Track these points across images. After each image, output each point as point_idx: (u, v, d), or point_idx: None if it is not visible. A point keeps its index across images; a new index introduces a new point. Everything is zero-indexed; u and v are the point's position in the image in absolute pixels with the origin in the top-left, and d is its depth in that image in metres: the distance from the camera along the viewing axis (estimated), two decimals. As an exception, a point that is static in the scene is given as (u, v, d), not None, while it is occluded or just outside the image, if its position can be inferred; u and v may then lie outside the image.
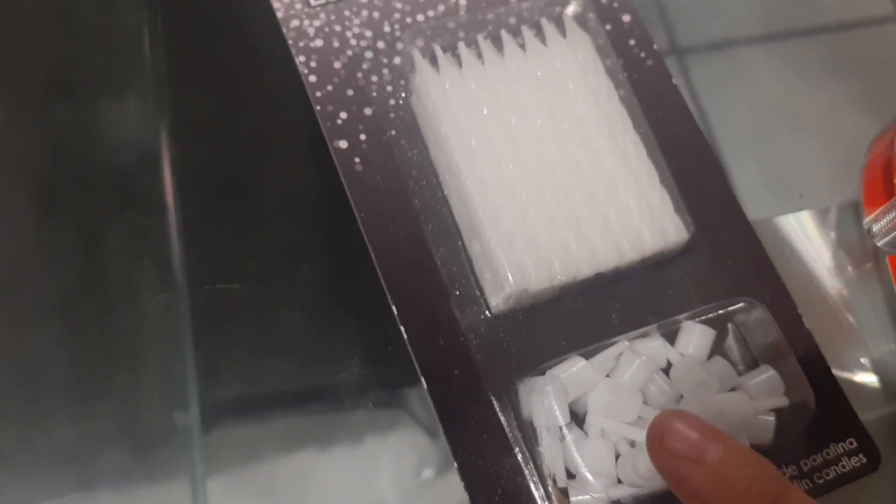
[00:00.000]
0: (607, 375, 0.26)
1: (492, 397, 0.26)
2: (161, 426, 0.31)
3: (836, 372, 0.27)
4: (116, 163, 0.34)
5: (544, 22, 0.30)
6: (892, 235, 0.30)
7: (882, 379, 0.32)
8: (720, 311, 0.28)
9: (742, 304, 0.28)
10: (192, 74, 0.36)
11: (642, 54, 0.31)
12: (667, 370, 0.27)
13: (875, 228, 0.31)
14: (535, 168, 0.28)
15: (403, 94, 0.30)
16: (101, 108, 0.35)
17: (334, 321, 0.33)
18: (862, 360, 0.32)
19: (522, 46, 0.30)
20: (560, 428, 0.25)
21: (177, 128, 0.35)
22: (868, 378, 0.32)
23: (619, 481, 0.25)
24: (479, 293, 0.28)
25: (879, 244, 0.31)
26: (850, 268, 0.33)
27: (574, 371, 0.26)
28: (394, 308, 0.27)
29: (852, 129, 0.37)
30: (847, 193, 0.35)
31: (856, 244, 0.34)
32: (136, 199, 0.33)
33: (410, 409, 0.33)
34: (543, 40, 0.30)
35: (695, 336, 0.27)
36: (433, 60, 0.30)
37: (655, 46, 0.31)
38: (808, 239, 0.34)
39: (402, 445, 0.32)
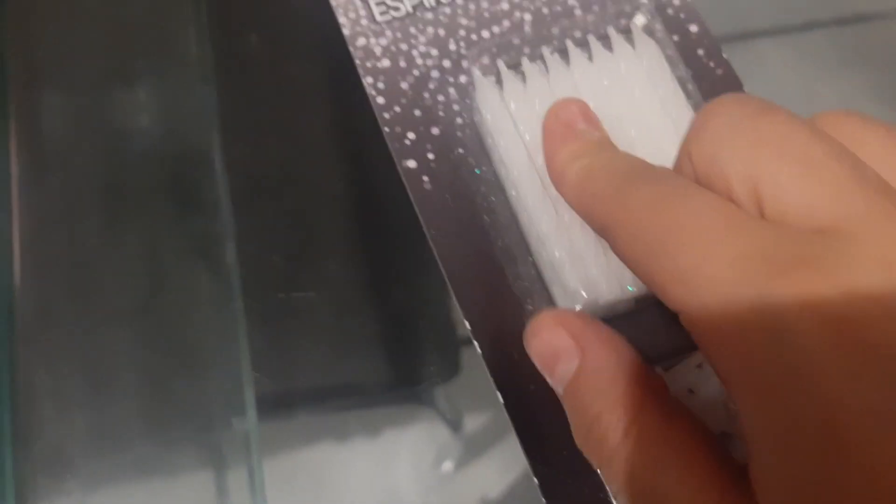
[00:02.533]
0: (689, 391, 0.26)
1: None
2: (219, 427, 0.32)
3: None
4: (171, 165, 0.35)
5: (611, 32, 0.30)
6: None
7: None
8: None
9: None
10: (239, 70, 0.36)
11: (711, 63, 0.31)
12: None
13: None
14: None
15: (470, 113, 0.30)
16: (151, 106, 0.36)
17: (362, 319, 0.33)
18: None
19: (589, 57, 0.30)
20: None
21: (227, 126, 0.35)
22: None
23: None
24: (551, 307, 0.27)
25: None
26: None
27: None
28: (467, 324, 0.27)
29: None
30: None
31: None
32: (191, 202, 0.34)
33: (432, 404, 0.33)
34: (612, 49, 0.30)
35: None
36: (498, 77, 0.30)
37: (725, 55, 0.31)
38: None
39: (421, 439, 0.32)
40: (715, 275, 0.18)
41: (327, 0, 0.31)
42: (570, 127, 0.26)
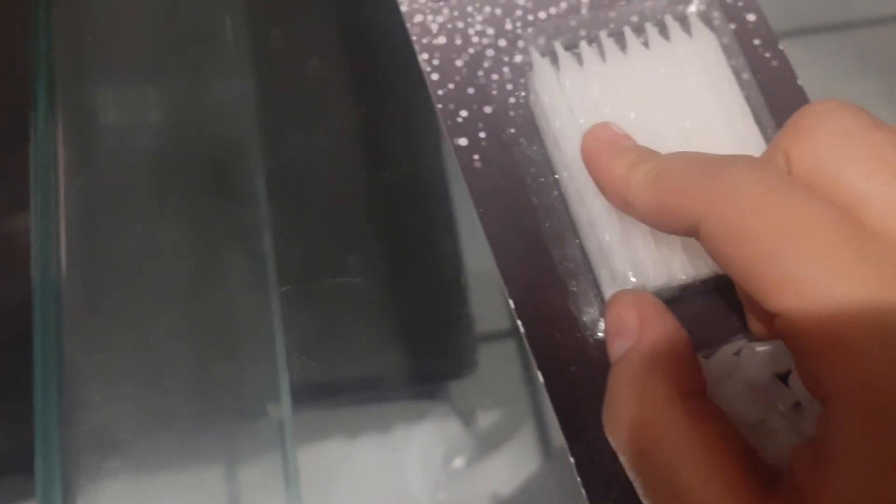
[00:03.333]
0: (728, 376, 0.26)
1: (609, 395, 0.26)
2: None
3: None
4: (213, 152, 0.35)
5: (668, 20, 0.30)
6: None
7: None
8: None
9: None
10: (275, 62, 0.37)
11: (767, 54, 0.31)
12: (784, 377, 0.27)
13: None
14: (656, 166, 0.28)
15: (523, 93, 0.30)
16: (190, 98, 0.36)
17: (381, 314, 0.34)
18: None
19: (646, 44, 0.30)
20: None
21: (264, 117, 0.36)
22: None
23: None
24: (596, 290, 0.28)
25: None
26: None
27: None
28: (511, 302, 0.27)
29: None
30: None
31: None
32: (231, 188, 0.35)
33: (446, 400, 0.33)
34: (667, 37, 0.30)
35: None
36: (553, 58, 0.30)
37: (781, 47, 0.31)
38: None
39: (432, 436, 0.32)
40: (826, 280, 0.18)
41: None
42: (614, 143, 0.26)
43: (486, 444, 0.33)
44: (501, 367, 0.32)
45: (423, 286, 0.34)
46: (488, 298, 0.33)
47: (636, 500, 0.25)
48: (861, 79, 0.38)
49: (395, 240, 0.35)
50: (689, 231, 0.22)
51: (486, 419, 0.33)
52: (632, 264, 0.26)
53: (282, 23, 0.38)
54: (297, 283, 0.34)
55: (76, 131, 0.35)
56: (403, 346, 0.34)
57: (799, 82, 0.30)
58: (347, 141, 0.36)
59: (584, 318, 0.27)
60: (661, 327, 0.23)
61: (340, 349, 0.33)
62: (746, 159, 0.21)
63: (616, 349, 0.24)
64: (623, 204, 0.25)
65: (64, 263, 0.33)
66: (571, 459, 0.26)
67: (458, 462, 0.32)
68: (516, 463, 0.32)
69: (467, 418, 0.33)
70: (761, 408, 0.25)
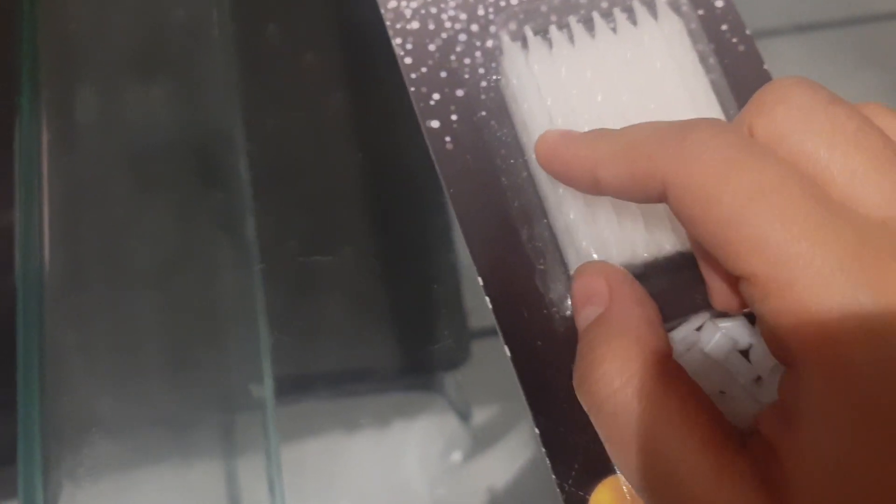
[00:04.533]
0: (689, 349, 0.27)
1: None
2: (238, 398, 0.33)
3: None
4: (197, 140, 0.36)
5: (636, 5, 0.31)
6: None
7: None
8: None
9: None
10: (260, 52, 0.37)
11: (734, 39, 0.31)
12: (746, 352, 0.27)
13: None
14: (622, 147, 0.28)
15: (495, 77, 0.31)
16: (178, 85, 0.37)
17: (375, 305, 0.34)
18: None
19: (614, 29, 0.30)
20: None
21: (249, 103, 0.36)
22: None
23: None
24: (563, 268, 0.28)
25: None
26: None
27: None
28: (479, 280, 0.28)
29: None
30: None
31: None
32: (214, 175, 0.35)
33: (441, 393, 0.34)
34: (635, 22, 0.31)
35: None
36: (524, 43, 0.31)
37: (748, 31, 0.31)
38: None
39: (429, 429, 0.33)
40: (794, 243, 0.19)
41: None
42: (567, 134, 0.27)
43: (484, 438, 0.33)
44: (497, 360, 0.33)
45: (416, 277, 0.35)
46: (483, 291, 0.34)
47: (599, 471, 0.26)
48: (862, 75, 0.39)
49: (386, 230, 0.35)
50: (660, 197, 0.22)
51: (483, 413, 0.34)
52: (596, 242, 0.27)
53: (269, 14, 0.38)
54: (282, 268, 0.34)
55: (60, 121, 0.36)
56: (397, 339, 0.34)
57: (765, 66, 0.31)
58: (333, 129, 0.37)
59: (551, 296, 0.28)
60: (631, 292, 0.24)
61: (330, 340, 0.34)
62: (711, 122, 0.22)
63: (586, 314, 0.24)
64: (592, 182, 0.24)
65: (47, 242, 0.34)
66: (536, 430, 0.26)
67: (456, 456, 0.33)
68: (513, 457, 0.33)
69: (465, 412, 0.33)
70: (722, 380, 0.26)
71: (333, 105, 0.37)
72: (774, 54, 0.38)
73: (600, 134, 0.24)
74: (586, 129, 0.28)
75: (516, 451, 0.33)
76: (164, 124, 0.36)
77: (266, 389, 0.33)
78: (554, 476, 0.25)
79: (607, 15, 0.31)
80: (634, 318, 0.23)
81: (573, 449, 0.26)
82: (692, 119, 0.22)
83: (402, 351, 0.34)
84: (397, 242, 0.35)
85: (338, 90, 0.37)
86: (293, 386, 0.33)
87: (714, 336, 0.26)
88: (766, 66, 0.31)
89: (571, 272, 0.28)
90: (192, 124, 0.36)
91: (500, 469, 0.33)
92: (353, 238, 0.35)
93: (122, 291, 0.34)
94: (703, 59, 0.30)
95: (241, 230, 0.35)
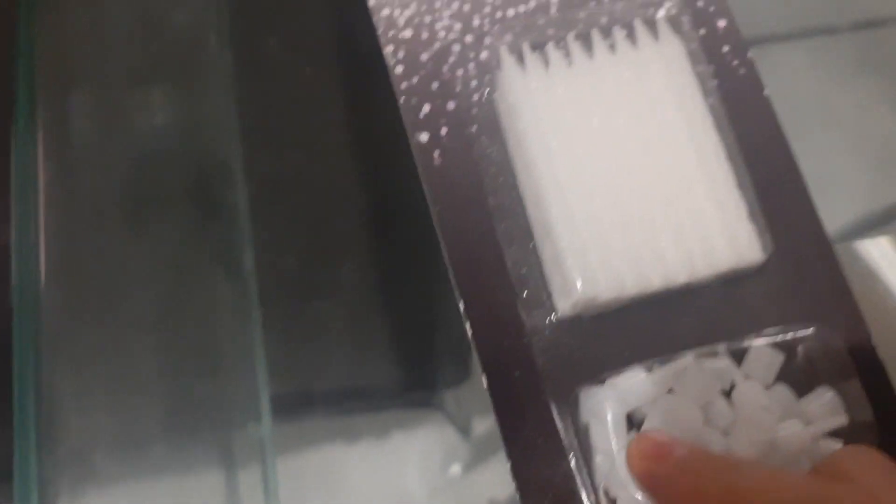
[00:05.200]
0: (670, 390, 0.26)
1: (551, 401, 0.26)
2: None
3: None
4: (193, 172, 0.36)
5: (637, 23, 0.30)
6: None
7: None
8: (790, 336, 0.27)
9: (813, 329, 0.27)
10: (258, 78, 0.37)
11: (735, 62, 0.30)
12: (730, 391, 0.27)
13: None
14: (613, 172, 0.28)
15: (488, 91, 0.30)
16: (173, 115, 0.36)
17: (375, 325, 0.34)
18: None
19: (612, 47, 0.30)
20: (614, 444, 0.25)
21: (246, 134, 0.36)
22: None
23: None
24: (546, 296, 0.28)
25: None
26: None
27: (634, 383, 0.26)
28: (461, 304, 0.28)
29: (886, 126, 0.37)
30: (882, 193, 0.34)
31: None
32: (212, 208, 0.35)
33: (441, 408, 0.33)
34: (635, 42, 0.30)
35: (762, 359, 0.27)
36: (520, 58, 0.30)
37: (749, 55, 0.30)
38: (888, 263, 0.33)
39: (429, 442, 0.32)
40: None
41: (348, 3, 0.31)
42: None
43: (483, 452, 0.33)
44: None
45: (415, 294, 0.34)
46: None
47: (569, 508, 0.25)
48: (864, 81, 0.38)
49: (386, 247, 0.35)
50: None
51: (483, 427, 0.33)
52: (583, 274, 0.27)
53: (268, 35, 0.38)
54: (282, 298, 0.34)
55: (57, 149, 0.35)
56: (397, 356, 0.34)
57: (765, 93, 0.30)
58: (331, 154, 0.36)
59: (533, 324, 0.27)
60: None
61: (331, 361, 0.34)
62: None
63: None
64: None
65: (43, 281, 0.33)
66: (508, 462, 0.26)
67: (456, 469, 0.33)
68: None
69: (464, 427, 0.33)
70: (698, 421, 0.26)
71: (333, 131, 0.37)
72: (777, 62, 0.37)
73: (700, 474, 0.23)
74: (581, 153, 0.28)
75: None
76: (162, 151, 0.36)
77: (264, 424, 0.32)
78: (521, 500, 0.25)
79: (606, 31, 0.30)
80: None
81: (544, 484, 0.26)
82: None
83: (402, 367, 0.34)
84: (396, 259, 0.35)
85: (337, 116, 0.37)
86: (291, 405, 0.33)
87: (697, 382, 0.26)
88: (765, 93, 0.30)
89: (556, 302, 0.27)
90: (190, 151, 0.36)
91: (499, 482, 0.32)
92: (353, 255, 0.35)
93: (120, 326, 0.33)
94: (702, 82, 0.30)
95: (239, 261, 0.34)
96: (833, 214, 0.35)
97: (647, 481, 0.23)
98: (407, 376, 0.34)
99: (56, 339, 0.33)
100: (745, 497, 0.21)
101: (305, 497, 0.32)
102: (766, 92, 0.30)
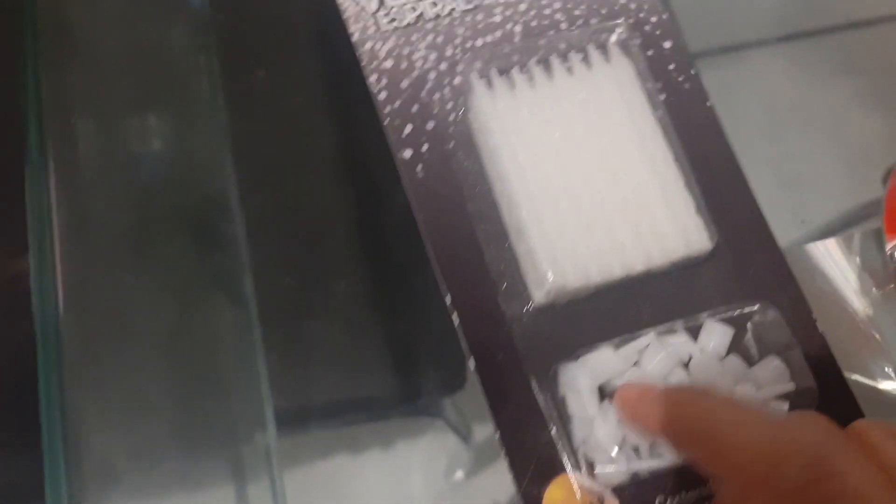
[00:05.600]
0: (635, 364, 0.30)
1: (531, 379, 0.30)
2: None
3: (860, 380, 0.30)
4: (189, 201, 0.38)
5: (591, 48, 0.34)
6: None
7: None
8: (739, 312, 0.31)
9: (758, 306, 0.31)
10: (249, 106, 0.40)
11: (680, 78, 0.34)
12: (688, 364, 0.30)
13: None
14: (575, 178, 0.32)
15: (462, 111, 0.34)
16: (173, 144, 0.39)
17: (372, 338, 0.36)
18: (886, 369, 0.35)
19: (570, 70, 0.33)
20: (589, 412, 0.29)
21: (241, 164, 0.38)
22: (891, 386, 0.35)
23: (638, 455, 0.28)
24: (522, 288, 0.31)
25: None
26: (874, 289, 0.36)
27: (603, 358, 0.29)
28: (448, 298, 0.31)
29: (864, 127, 0.39)
30: (858, 192, 0.36)
31: (879, 268, 0.36)
32: (211, 237, 0.37)
33: (441, 416, 0.36)
34: (589, 64, 0.34)
35: (715, 334, 0.30)
36: (489, 82, 0.34)
37: (693, 71, 0.34)
38: (834, 264, 0.36)
39: (432, 449, 0.35)
40: None
41: (334, 34, 0.35)
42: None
43: (485, 457, 0.35)
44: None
45: (407, 310, 0.36)
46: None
47: (552, 471, 0.28)
48: (840, 83, 0.40)
49: (378, 268, 0.37)
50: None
51: (483, 433, 0.35)
52: (553, 266, 0.30)
53: (259, 64, 0.40)
54: (282, 318, 0.36)
55: (68, 192, 0.37)
56: (395, 366, 0.36)
57: (708, 104, 0.34)
58: (322, 178, 0.39)
59: (512, 313, 0.31)
60: None
61: (331, 375, 0.36)
62: None
63: None
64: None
65: (62, 314, 0.35)
66: (496, 434, 0.29)
67: (459, 475, 0.35)
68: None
69: (465, 433, 0.35)
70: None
71: (321, 147, 0.39)
72: (754, 66, 0.39)
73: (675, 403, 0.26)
74: (546, 163, 0.32)
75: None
76: (161, 190, 0.38)
77: (268, 428, 0.34)
78: (512, 474, 0.28)
79: (564, 56, 0.34)
80: None
81: (529, 451, 0.29)
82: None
83: (400, 377, 0.36)
84: (389, 275, 0.37)
85: (328, 140, 0.40)
86: (295, 418, 0.35)
87: (658, 355, 0.29)
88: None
89: (531, 292, 0.31)
90: (188, 189, 0.38)
91: (501, 486, 0.33)
92: (348, 274, 0.37)
93: (133, 356, 0.35)
94: (651, 98, 0.33)
95: (239, 285, 0.36)
96: (810, 212, 0.38)
97: (633, 415, 0.27)
98: (405, 386, 0.36)
99: (76, 366, 0.35)
100: (715, 420, 0.24)
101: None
102: (709, 103, 0.34)
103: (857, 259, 0.37)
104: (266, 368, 0.35)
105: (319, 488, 0.35)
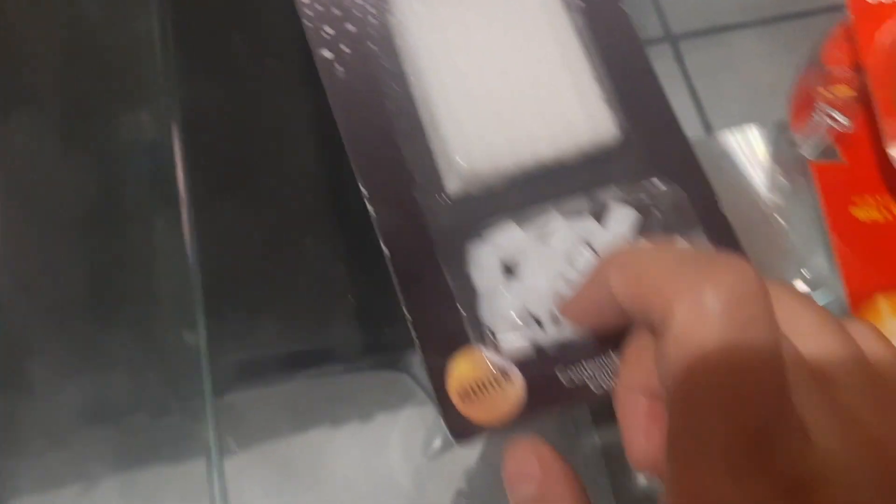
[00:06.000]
0: (541, 242, 0.30)
1: (441, 264, 0.30)
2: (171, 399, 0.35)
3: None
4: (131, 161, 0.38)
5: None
6: (811, 140, 0.34)
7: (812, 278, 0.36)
8: (644, 195, 0.32)
9: (665, 189, 0.32)
10: (201, 72, 0.40)
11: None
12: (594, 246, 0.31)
13: (799, 136, 0.34)
14: (489, 73, 0.32)
15: (384, 13, 0.34)
16: (114, 109, 0.39)
17: (335, 289, 0.36)
18: (802, 270, 0.36)
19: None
20: (492, 286, 0.30)
21: (187, 121, 0.38)
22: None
23: (540, 327, 0.29)
24: (437, 179, 0.32)
25: (802, 150, 0.34)
26: (782, 178, 0.37)
27: (507, 235, 0.30)
28: (364, 191, 0.32)
29: None
30: None
31: (789, 159, 0.37)
32: (150, 189, 0.37)
33: (407, 371, 0.36)
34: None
35: (621, 216, 0.31)
36: (408, -17, 0.34)
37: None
38: (743, 154, 0.37)
39: (411, 421, 0.35)
40: None
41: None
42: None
43: None
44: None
45: (374, 262, 0.36)
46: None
47: (457, 344, 0.29)
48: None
49: (343, 224, 0.38)
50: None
51: None
52: (464, 154, 0.31)
53: (214, 31, 0.40)
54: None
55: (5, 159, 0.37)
56: (359, 320, 0.36)
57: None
58: (285, 132, 0.39)
59: (426, 204, 0.31)
60: (562, 471, 0.25)
61: (292, 326, 0.36)
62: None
63: (521, 494, 0.26)
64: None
65: None
66: (408, 317, 0.30)
67: (436, 445, 0.35)
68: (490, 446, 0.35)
69: (430, 389, 0.35)
70: (564, 269, 0.30)
71: (276, 112, 0.40)
72: (735, 47, 0.41)
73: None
74: (461, 59, 0.32)
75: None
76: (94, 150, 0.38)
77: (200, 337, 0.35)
78: (419, 351, 0.29)
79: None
80: (567, 499, 0.25)
81: (439, 329, 0.30)
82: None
83: (365, 330, 0.36)
84: (355, 230, 0.37)
85: (279, 96, 0.40)
86: (255, 366, 0.36)
87: (561, 231, 0.30)
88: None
89: (444, 183, 0.32)
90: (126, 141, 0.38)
91: (476, 456, 0.35)
92: (314, 230, 0.37)
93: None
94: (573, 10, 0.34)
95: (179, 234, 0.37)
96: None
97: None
98: (369, 338, 0.36)
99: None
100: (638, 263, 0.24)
101: (290, 479, 0.34)
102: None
103: (770, 149, 0.37)
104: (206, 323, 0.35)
105: (296, 459, 0.35)
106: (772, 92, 0.40)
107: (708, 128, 0.39)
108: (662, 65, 0.40)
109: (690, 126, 0.37)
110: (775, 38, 0.42)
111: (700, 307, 0.21)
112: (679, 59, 0.41)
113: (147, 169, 0.38)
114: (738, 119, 0.39)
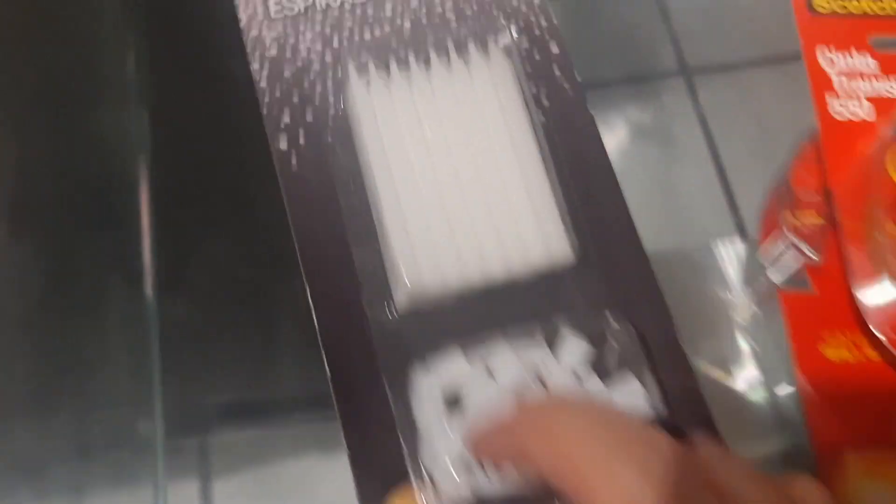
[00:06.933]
0: (488, 372, 0.29)
1: (387, 389, 0.29)
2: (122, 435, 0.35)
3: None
4: (94, 179, 0.37)
5: (471, 48, 0.33)
6: (778, 265, 0.33)
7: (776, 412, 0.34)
8: (598, 325, 0.31)
9: (621, 321, 0.31)
10: (172, 90, 0.39)
11: (565, 85, 0.34)
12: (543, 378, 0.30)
13: (766, 261, 0.33)
14: (442, 178, 0.31)
15: (342, 104, 0.33)
16: (80, 123, 0.38)
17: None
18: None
19: (449, 68, 0.33)
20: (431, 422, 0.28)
21: (156, 145, 0.38)
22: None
23: (482, 472, 0.28)
24: (386, 292, 0.31)
25: (769, 275, 0.33)
26: (752, 303, 0.36)
27: (450, 364, 0.29)
28: (309, 297, 0.30)
29: None
30: None
31: (760, 282, 0.36)
32: (109, 214, 0.37)
33: None
34: (468, 63, 0.33)
35: (572, 346, 0.30)
36: (367, 76, 0.33)
37: (578, 78, 0.34)
38: (716, 270, 0.36)
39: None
40: None
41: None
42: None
43: None
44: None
45: None
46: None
47: (397, 480, 0.28)
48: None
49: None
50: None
51: None
52: (411, 272, 0.30)
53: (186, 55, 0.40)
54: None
55: None
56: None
57: (589, 109, 0.34)
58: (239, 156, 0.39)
59: (374, 317, 0.30)
60: None
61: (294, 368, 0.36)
62: None
63: None
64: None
65: None
66: (344, 442, 0.29)
67: None
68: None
69: None
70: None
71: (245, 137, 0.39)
72: (749, 84, 0.40)
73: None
74: (414, 163, 0.31)
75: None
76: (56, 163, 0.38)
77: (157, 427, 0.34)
78: (354, 482, 0.28)
79: (447, 53, 0.33)
80: None
81: (376, 459, 0.28)
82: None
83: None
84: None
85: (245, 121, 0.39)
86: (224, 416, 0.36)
87: (509, 363, 0.29)
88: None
89: (394, 296, 0.30)
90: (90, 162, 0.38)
91: None
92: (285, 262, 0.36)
93: None
94: (534, 100, 0.33)
95: (138, 268, 0.36)
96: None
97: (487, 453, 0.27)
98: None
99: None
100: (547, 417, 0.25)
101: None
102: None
103: (741, 268, 0.36)
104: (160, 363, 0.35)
105: (287, 489, 0.35)
106: (784, 129, 0.39)
107: (719, 164, 0.38)
108: (675, 98, 0.41)
109: (701, 162, 0.38)
110: (790, 75, 0.40)
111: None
112: (692, 94, 0.40)
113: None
114: (750, 157, 0.38)
